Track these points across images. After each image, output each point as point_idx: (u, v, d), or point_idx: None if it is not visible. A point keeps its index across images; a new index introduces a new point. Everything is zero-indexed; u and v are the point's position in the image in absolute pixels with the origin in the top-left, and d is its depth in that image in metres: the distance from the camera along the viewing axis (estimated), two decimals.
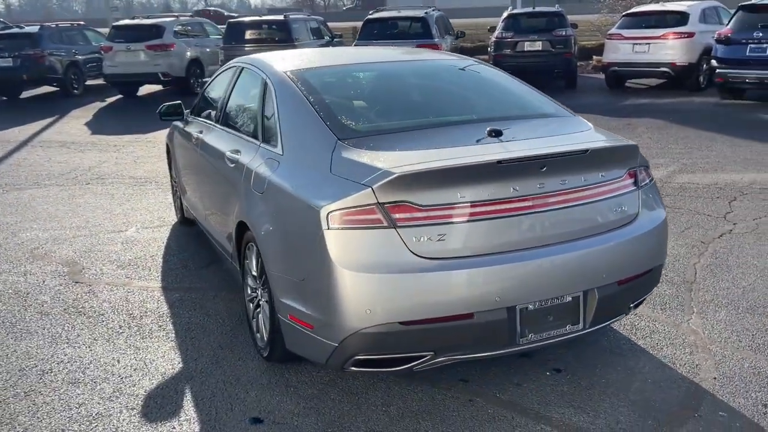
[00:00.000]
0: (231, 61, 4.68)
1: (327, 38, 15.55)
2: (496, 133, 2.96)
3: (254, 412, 3.02)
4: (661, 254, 3.17)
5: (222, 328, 3.87)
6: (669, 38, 12.30)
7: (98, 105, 14.42)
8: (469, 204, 2.63)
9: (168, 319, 4.01)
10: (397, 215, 2.59)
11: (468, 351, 2.76)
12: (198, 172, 4.56)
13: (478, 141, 2.92)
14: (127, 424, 2.95)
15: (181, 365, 3.46)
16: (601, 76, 13.93)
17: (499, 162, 2.62)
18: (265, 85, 3.67)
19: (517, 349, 2.80)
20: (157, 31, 14.78)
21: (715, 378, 3.18)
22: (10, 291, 4.50)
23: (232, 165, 3.64)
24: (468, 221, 2.63)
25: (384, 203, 2.58)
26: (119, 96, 15.51)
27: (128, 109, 14.03)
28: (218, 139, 4.09)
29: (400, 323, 2.61)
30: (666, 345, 3.50)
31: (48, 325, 3.97)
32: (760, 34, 10.40)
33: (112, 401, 3.14)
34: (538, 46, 13.14)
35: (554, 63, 13.22)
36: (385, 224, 2.59)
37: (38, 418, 3.02)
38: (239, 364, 3.44)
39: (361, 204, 2.60)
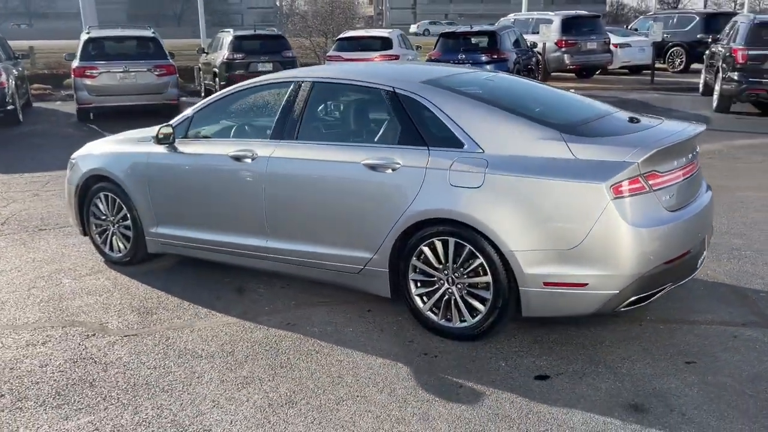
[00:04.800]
0: (260, 79, 4.56)
1: (12, 59, 13.49)
2: (636, 120, 3.89)
3: (530, 373, 3.37)
4: None
5: (366, 335, 3.85)
6: (381, 60, 14.27)
7: None
8: (678, 169, 3.54)
9: (298, 342, 3.79)
10: (651, 182, 3.35)
11: (678, 280, 3.64)
12: (246, 194, 4.24)
13: (629, 126, 3.80)
14: (440, 414, 3.03)
15: (383, 369, 3.49)
16: None
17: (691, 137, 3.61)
18: (395, 95, 3.86)
19: (694, 274, 3.79)
20: None
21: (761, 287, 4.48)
22: (61, 364, 3.58)
23: (389, 171, 3.73)
24: (679, 182, 3.54)
25: (644, 173, 3.31)
26: None
27: None
28: (320, 152, 4.03)
29: (664, 263, 3.38)
30: None
31: (169, 376, 3.46)
32: (464, 56, 13.04)
33: (398, 407, 3.12)
34: (269, 66, 13.74)
35: None
36: (647, 189, 3.32)
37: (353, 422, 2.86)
38: (444, 355, 3.59)
39: (631, 176, 3.28)
